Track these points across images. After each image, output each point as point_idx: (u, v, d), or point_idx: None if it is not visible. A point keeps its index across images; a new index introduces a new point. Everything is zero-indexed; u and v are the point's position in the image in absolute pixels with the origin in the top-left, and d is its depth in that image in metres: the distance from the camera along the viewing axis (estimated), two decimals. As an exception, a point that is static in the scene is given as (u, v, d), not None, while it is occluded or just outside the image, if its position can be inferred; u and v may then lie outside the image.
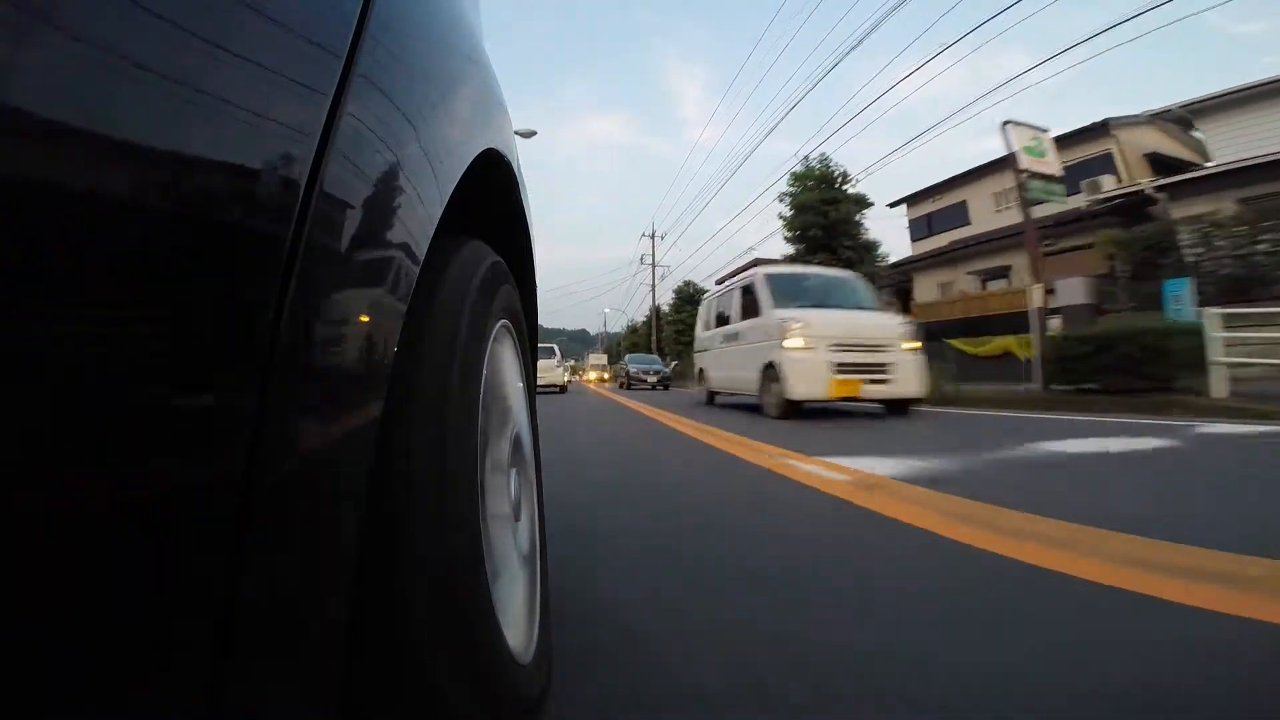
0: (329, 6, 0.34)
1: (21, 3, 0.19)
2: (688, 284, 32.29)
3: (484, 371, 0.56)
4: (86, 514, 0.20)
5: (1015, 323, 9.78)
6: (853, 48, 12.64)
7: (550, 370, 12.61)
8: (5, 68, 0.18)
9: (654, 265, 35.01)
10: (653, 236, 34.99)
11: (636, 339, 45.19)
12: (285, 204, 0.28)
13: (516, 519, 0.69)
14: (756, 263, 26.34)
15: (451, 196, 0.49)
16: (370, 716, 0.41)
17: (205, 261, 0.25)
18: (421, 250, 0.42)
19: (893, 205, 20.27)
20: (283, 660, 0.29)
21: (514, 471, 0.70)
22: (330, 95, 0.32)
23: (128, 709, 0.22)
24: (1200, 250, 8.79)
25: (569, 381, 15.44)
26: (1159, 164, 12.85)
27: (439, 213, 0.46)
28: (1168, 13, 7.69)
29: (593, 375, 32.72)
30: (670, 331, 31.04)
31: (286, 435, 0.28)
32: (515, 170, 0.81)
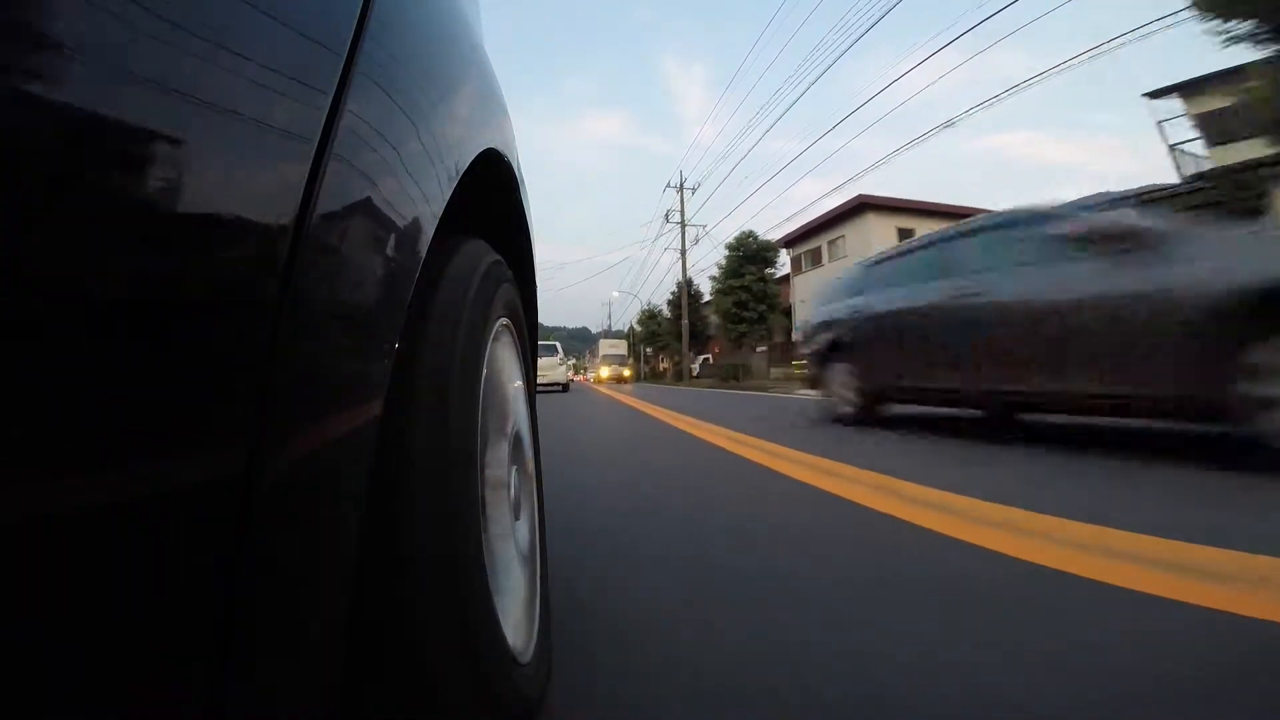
0: (329, 6, 0.34)
1: (20, 1, 0.19)
2: (749, 235, 21.44)
3: (484, 370, 0.56)
4: (86, 514, 0.20)
5: None
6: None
7: (553, 369, 12.58)
8: (3, 66, 0.18)
9: (683, 224, 23.88)
10: (680, 189, 23.89)
11: (656, 326, 34.87)
12: (285, 202, 0.28)
13: (516, 517, 0.69)
14: (863, 203, 20.44)
15: (452, 196, 0.49)
16: (370, 716, 0.41)
17: (205, 259, 0.25)
18: (422, 249, 0.42)
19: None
20: (283, 660, 0.29)
21: (514, 470, 0.70)
22: (330, 94, 0.32)
23: (128, 709, 0.22)
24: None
25: (571, 380, 15.18)
26: None
27: (439, 211, 0.46)
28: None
29: (605, 372, 23.54)
30: (727, 304, 20.56)
31: (286, 435, 0.28)
32: (515, 170, 0.81)
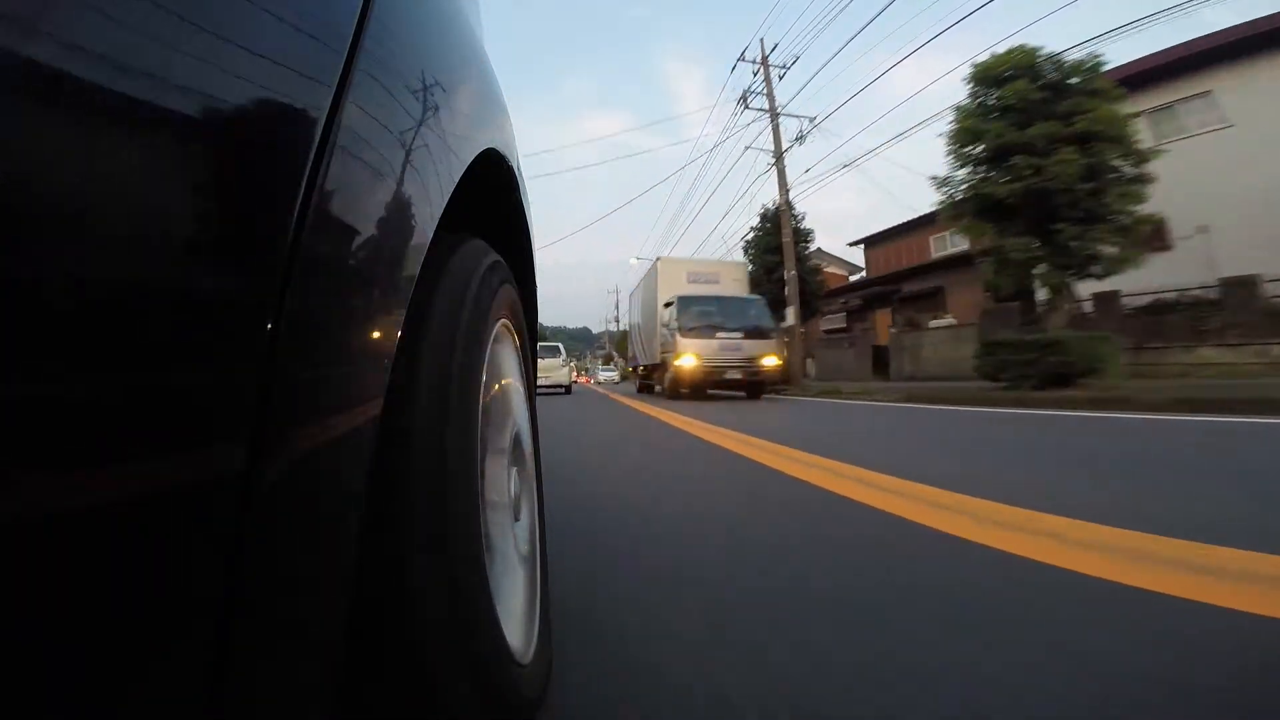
0: (330, 6, 0.34)
1: None
2: (1023, 52, 7.10)
3: (484, 370, 0.56)
4: (86, 514, 0.20)
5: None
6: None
7: (555, 370, 12.58)
8: (3, 61, 0.18)
9: (773, 110, 13.09)
10: (763, 63, 13.30)
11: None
12: (286, 202, 0.28)
13: (516, 518, 0.69)
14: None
15: (452, 195, 0.49)
16: (370, 716, 0.41)
17: (204, 257, 0.25)
18: (422, 249, 0.42)
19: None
20: (283, 660, 0.29)
21: (514, 470, 0.70)
22: (331, 94, 0.32)
23: (127, 709, 0.22)
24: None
25: (575, 382, 14.94)
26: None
27: (439, 212, 0.46)
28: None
29: (690, 361, 8.20)
30: (1072, 173, 6.18)
31: (286, 435, 0.28)
32: (515, 170, 0.81)
